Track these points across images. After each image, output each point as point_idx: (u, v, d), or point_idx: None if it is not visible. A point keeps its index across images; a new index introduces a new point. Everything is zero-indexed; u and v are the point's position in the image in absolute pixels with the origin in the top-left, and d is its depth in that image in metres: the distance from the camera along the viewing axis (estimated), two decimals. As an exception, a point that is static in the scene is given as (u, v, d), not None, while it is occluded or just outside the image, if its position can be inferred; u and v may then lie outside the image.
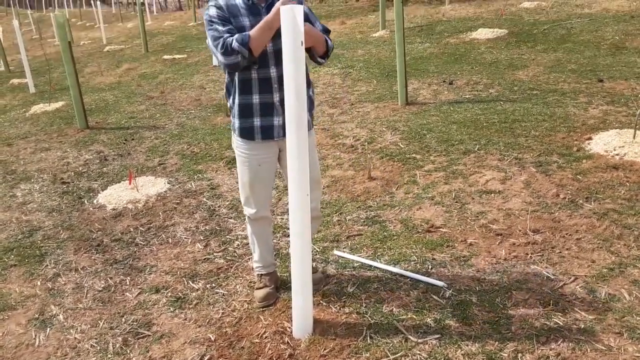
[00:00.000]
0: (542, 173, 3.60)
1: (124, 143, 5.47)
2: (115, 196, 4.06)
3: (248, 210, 2.51)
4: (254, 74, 2.25)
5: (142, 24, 12.95)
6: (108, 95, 8.12)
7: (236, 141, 2.41)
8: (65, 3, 35.19)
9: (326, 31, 2.35)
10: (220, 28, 2.17)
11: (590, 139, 4.04)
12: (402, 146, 4.43)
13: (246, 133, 2.34)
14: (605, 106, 4.78)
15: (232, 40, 2.10)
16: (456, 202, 3.39)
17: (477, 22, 9.20)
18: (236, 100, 2.32)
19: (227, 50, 2.11)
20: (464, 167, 3.86)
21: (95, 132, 5.97)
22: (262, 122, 2.30)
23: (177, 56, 11.16)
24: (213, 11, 2.20)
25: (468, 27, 8.93)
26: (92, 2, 22.27)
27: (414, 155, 4.21)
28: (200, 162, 4.70)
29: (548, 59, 6.57)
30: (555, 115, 4.65)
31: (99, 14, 17.54)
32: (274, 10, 2.08)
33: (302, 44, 1.94)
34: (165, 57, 11.21)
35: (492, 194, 3.42)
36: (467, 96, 5.58)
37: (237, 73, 2.25)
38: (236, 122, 2.36)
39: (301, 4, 2.19)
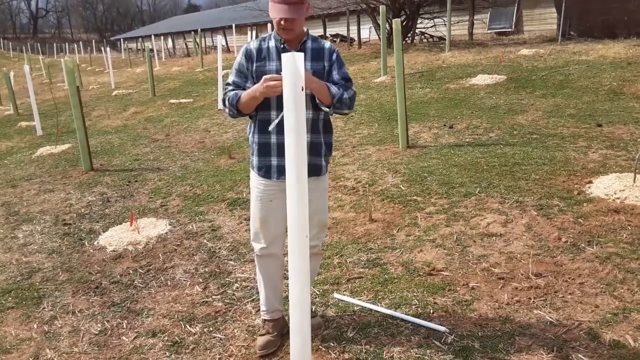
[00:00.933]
0: (543, 216, 3.59)
1: (127, 185, 5.52)
2: (116, 238, 4.05)
3: (256, 246, 2.51)
4: (273, 115, 2.32)
5: (150, 69, 13.30)
6: (114, 138, 8.25)
7: (253, 178, 2.47)
8: (76, 49, 36.28)
9: (346, 80, 2.36)
10: (232, 78, 2.37)
11: (590, 182, 4.05)
12: (403, 188, 4.45)
13: (264, 171, 2.40)
14: (604, 150, 4.82)
15: (227, 97, 2.30)
16: (457, 244, 3.37)
17: (476, 69, 9.41)
18: (255, 139, 2.41)
19: (224, 102, 2.35)
20: (465, 209, 3.86)
21: (100, 174, 6.03)
22: (279, 161, 2.34)
23: (183, 100, 11.39)
24: (240, 57, 2.39)
25: (467, 73, 9.13)
26: (102, 48, 22.96)
27: (415, 197, 4.22)
28: (202, 204, 4.72)
29: (547, 104, 6.67)
30: (555, 159, 4.68)
31: (108, 59, 18.05)
32: (260, 82, 2.18)
33: (302, 89, 1.99)
34: (172, 101, 11.45)
35: (494, 237, 3.40)
36: (468, 140, 5.65)
37: (257, 113, 2.36)
38: (254, 160, 2.44)
39: (333, 54, 2.35)
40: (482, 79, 8.25)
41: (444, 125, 6.34)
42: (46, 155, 7.44)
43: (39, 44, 48.62)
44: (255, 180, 2.45)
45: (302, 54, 1.99)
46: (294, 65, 2.00)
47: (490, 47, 12.84)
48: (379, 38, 15.20)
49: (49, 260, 3.85)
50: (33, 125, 10.05)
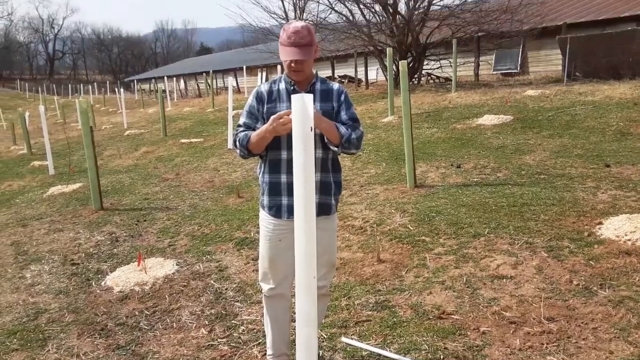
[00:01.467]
0: (553, 258, 3.54)
1: (136, 224, 5.55)
2: (123, 278, 4.05)
3: (264, 286, 2.50)
4: (284, 155, 2.35)
5: (162, 109, 13.58)
6: (124, 177, 8.35)
7: (263, 217, 2.48)
8: (90, 90, 37.22)
9: (354, 120, 2.40)
10: (243, 120, 2.42)
11: (600, 223, 4.01)
12: (412, 228, 4.43)
13: (274, 211, 2.42)
14: (614, 191, 4.79)
15: (238, 138, 2.35)
16: (467, 287, 3.32)
17: (482, 109, 9.51)
18: (266, 179, 2.43)
19: (234, 144, 2.38)
20: (474, 250, 3.83)
21: (109, 214, 6.07)
22: (289, 200, 2.35)
23: (194, 140, 11.56)
24: (251, 99, 2.44)
25: (474, 113, 9.23)
26: (116, 89, 23.57)
27: (423, 237, 4.20)
28: (210, 243, 4.72)
29: (554, 144, 6.70)
30: (564, 199, 4.65)
31: (121, 100, 18.47)
32: (269, 122, 2.22)
33: (311, 129, 2.03)
34: (183, 140, 11.62)
35: (504, 280, 3.35)
36: (475, 179, 5.65)
37: (267, 153, 2.40)
38: (264, 200, 2.45)
39: (342, 95, 2.41)
40: (488, 119, 8.32)
41: (451, 164, 6.36)
42: (57, 194, 7.53)
43: (54, 85, 49.98)
44: (265, 220, 2.46)
45: (311, 95, 2.04)
46: (303, 106, 2.05)
47: (496, 88, 13.01)
48: (386, 79, 15.49)
49: (55, 301, 3.84)
50: (46, 165, 10.22)
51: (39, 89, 45.52)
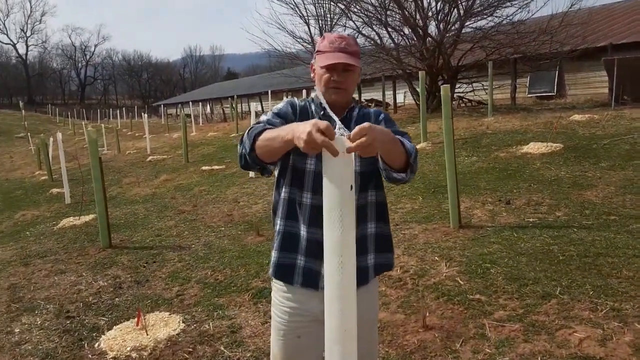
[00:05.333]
0: (654, 332, 2.77)
1: (144, 267, 4.96)
2: (119, 340, 3.42)
3: None
4: (306, 198, 1.71)
5: (185, 135, 13.21)
6: (140, 208, 7.84)
7: (274, 292, 1.83)
8: (118, 114, 37.69)
9: (402, 133, 1.74)
10: (267, 117, 1.71)
11: None
12: (462, 282, 3.70)
13: (283, 272, 1.76)
14: None
15: (249, 130, 1.61)
16: (545, 372, 2.58)
17: (526, 136, 8.73)
18: (278, 226, 1.78)
19: (241, 139, 1.64)
20: (545, 317, 3.08)
21: (117, 252, 5.51)
22: (306, 262, 1.72)
23: (215, 167, 11.08)
24: (282, 105, 1.76)
25: (517, 140, 8.46)
26: (143, 113, 23.57)
27: (477, 296, 3.46)
28: (223, 294, 4.08)
29: (617, 178, 5.87)
30: (647, 247, 3.87)
31: (145, 124, 18.30)
32: (305, 124, 1.35)
33: (351, 188, 1.39)
34: (204, 167, 11.15)
35: (593, 362, 2.60)
36: (531, 219, 4.89)
37: (284, 189, 1.76)
38: (273, 256, 1.78)
39: (380, 116, 1.77)
40: (535, 147, 7.55)
41: (500, 200, 5.61)
42: (68, 227, 7.05)
43: (84, 110, 51.02)
44: (275, 290, 1.82)
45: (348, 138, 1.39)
46: (340, 154, 1.39)
47: (535, 112, 12.20)
48: (416, 103, 14.86)
49: (38, 368, 3.24)
50: (63, 193, 9.84)
51: (69, 114, 46.47)
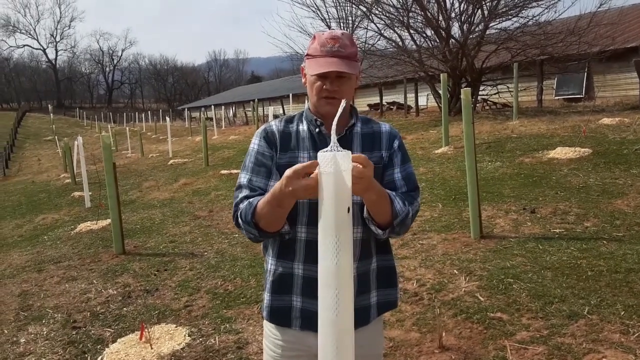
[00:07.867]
0: (694, 361, 2.52)
1: (155, 275, 4.87)
2: (122, 354, 3.32)
3: None
4: (301, 233, 1.52)
5: (205, 138, 13.21)
6: (157, 213, 7.80)
7: (266, 336, 1.64)
8: (144, 118, 38.21)
9: (411, 184, 1.58)
10: (247, 176, 1.53)
11: None
12: (482, 299, 3.48)
13: (278, 316, 1.57)
14: None
15: (240, 212, 1.46)
16: (571, 403, 2.35)
17: (552, 140, 8.39)
18: (270, 265, 1.59)
19: (236, 221, 1.50)
20: (572, 339, 2.84)
21: (130, 259, 5.45)
22: (303, 303, 1.54)
23: (234, 171, 11.01)
24: (256, 141, 1.57)
25: (543, 145, 8.13)
26: (166, 117, 23.79)
27: (499, 314, 3.24)
28: (232, 306, 3.95)
29: (650, 185, 5.55)
30: (685, 263, 3.58)
31: (167, 128, 18.43)
32: (280, 181, 1.33)
33: (348, 210, 1.23)
34: (223, 171, 11.09)
35: (625, 394, 2.36)
36: (557, 230, 4.62)
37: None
38: (266, 298, 1.60)
39: (395, 143, 1.60)
40: (562, 152, 7.22)
41: (524, 208, 5.34)
42: (84, 232, 7.05)
43: (111, 113, 52.00)
44: (268, 334, 1.63)
45: (348, 153, 1.23)
46: (337, 170, 1.23)
47: (563, 115, 11.78)
48: (439, 106, 14.55)
49: (39, 382, 3.15)
50: (84, 196, 9.91)
51: (96, 117, 47.41)
